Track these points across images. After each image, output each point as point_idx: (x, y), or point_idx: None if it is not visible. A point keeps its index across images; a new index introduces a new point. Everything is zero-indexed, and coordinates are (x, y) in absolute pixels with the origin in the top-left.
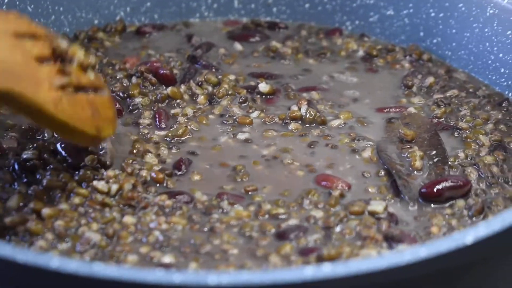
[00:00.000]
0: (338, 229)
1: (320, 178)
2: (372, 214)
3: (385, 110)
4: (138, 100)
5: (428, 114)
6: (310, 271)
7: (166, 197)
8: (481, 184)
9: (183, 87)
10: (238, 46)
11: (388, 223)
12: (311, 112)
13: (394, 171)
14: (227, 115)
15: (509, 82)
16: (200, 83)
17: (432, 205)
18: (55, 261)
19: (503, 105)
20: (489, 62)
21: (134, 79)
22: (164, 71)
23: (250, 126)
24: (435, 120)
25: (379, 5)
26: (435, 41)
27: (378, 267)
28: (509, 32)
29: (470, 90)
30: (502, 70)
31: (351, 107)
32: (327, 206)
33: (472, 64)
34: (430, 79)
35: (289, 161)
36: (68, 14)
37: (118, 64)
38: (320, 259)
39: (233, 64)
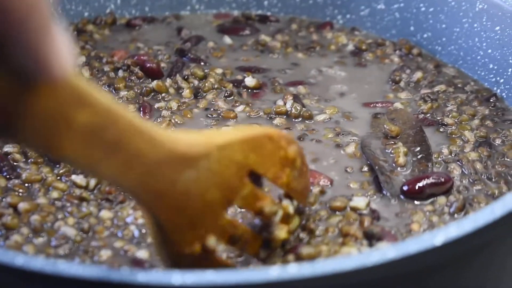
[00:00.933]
0: (320, 226)
1: None
2: (354, 210)
3: (371, 105)
4: (123, 93)
5: (414, 109)
6: (276, 272)
7: None
8: (464, 181)
9: (168, 80)
10: (227, 39)
11: (371, 220)
12: (297, 107)
13: (376, 167)
14: (212, 109)
15: (498, 78)
16: (186, 76)
17: (415, 202)
18: (19, 259)
19: (491, 100)
20: (478, 57)
21: (120, 73)
22: (151, 65)
23: (235, 120)
24: (421, 116)
25: None
26: (425, 35)
27: (345, 268)
28: (497, 28)
29: (459, 85)
30: (491, 66)
31: (338, 101)
32: (308, 204)
33: (461, 60)
34: (418, 74)
35: None
36: (58, 7)
37: (105, 57)
38: (299, 258)
39: (221, 58)
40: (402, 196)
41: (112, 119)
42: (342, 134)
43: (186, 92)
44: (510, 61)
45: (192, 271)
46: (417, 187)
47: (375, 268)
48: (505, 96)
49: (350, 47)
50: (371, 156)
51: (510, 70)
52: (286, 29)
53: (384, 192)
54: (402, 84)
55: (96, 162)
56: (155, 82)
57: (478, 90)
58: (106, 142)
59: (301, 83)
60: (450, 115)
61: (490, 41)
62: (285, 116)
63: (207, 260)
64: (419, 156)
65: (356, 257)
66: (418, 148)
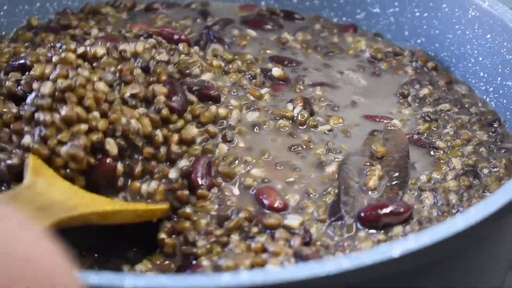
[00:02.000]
0: (252, 244)
1: (260, 192)
2: (288, 228)
3: (371, 119)
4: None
5: (412, 128)
6: (227, 278)
7: None
8: (433, 211)
9: (195, 47)
10: (252, 32)
11: (301, 240)
12: (303, 114)
13: (343, 187)
14: (237, 85)
15: (487, 87)
16: (214, 55)
17: (367, 230)
18: None
19: (494, 125)
20: (470, 65)
21: (141, 40)
22: (179, 36)
23: (259, 100)
24: (416, 136)
25: (366, 2)
26: (419, 41)
27: (297, 277)
28: (488, 36)
29: (465, 105)
30: (481, 74)
31: (347, 111)
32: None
33: (453, 66)
34: (425, 90)
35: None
36: (54, 2)
37: (124, 29)
38: (218, 270)
39: (245, 47)
40: (358, 223)
41: None
42: (332, 152)
43: (215, 65)
44: (500, 69)
45: (144, 275)
46: (373, 215)
47: (330, 278)
48: (494, 105)
49: (367, 54)
50: (344, 175)
51: (499, 78)
52: (309, 28)
53: (341, 213)
54: (409, 98)
55: None
56: (181, 45)
57: (483, 113)
58: None
59: (322, 85)
60: (444, 139)
61: (481, 49)
62: (290, 121)
63: None
64: (393, 182)
65: (310, 266)
66: (397, 174)
